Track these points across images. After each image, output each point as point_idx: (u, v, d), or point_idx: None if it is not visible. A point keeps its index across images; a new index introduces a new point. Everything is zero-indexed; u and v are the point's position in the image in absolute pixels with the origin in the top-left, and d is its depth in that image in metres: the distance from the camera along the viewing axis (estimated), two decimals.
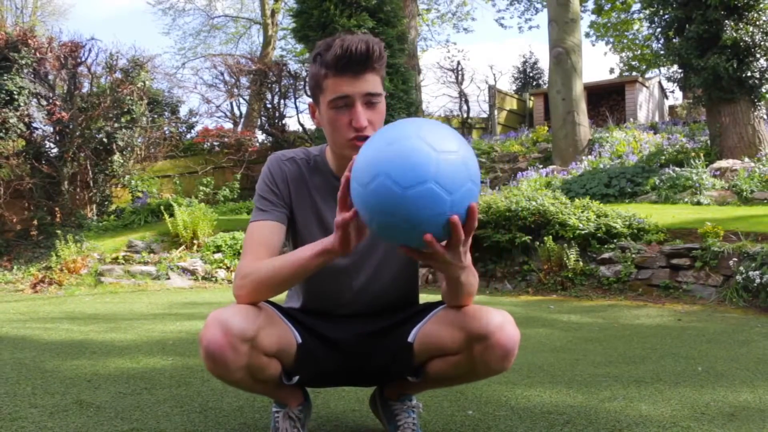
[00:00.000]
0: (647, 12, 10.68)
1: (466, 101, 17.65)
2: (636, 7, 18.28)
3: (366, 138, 1.45)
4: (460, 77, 18.35)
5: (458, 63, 18.73)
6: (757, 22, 8.81)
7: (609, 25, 19.73)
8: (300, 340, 1.60)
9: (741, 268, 4.91)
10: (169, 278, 7.19)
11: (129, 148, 10.21)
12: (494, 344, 1.46)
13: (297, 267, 1.42)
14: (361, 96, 1.48)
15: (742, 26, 8.71)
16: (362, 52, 1.45)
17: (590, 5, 19.18)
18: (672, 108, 18.11)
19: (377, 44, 1.48)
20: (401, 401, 1.77)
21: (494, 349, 1.46)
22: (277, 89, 12.85)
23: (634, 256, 5.70)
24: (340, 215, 1.29)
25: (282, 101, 12.97)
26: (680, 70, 9.69)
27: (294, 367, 1.61)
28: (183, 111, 16.44)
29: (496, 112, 16.24)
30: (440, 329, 1.56)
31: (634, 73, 18.87)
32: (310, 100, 1.63)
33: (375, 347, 1.65)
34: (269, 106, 13.03)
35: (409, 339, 1.60)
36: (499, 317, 1.48)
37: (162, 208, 8.75)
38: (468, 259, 1.42)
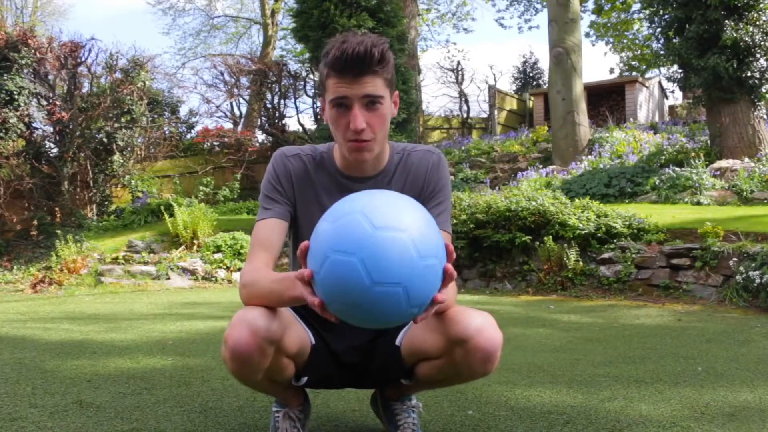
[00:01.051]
0: (647, 12, 10.68)
1: (466, 101, 17.66)
2: (636, 7, 18.29)
3: (364, 141, 1.50)
4: (460, 77, 18.35)
5: (458, 63, 18.75)
6: (757, 22, 8.80)
7: (609, 25, 19.72)
8: (314, 342, 1.62)
9: (741, 268, 4.91)
10: (169, 278, 7.19)
11: (129, 148, 10.21)
12: (473, 348, 1.44)
13: (278, 300, 1.42)
14: (359, 98, 1.48)
15: (742, 26, 8.70)
16: (359, 55, 1.44)
17: (590, 5, 19.18)
18: (672, 108, 18.10)
19: (378, 47, 1.46)
20: (401, 401, 1.77)
21: (474, 352, 1.44)
22: (277, 89, 12.85)
23: (634, 256, 5.70)
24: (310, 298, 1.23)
25: (282, 101, 12.98)
26: (680, 70, 9.69)
27: (304, 368, 1.62)
28: (183, 111, 16.44)
29: (496, 112, 16.24)
30: (422, 334, 1.57)
31: (634, 73, 18.86)
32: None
33: (370, 355, 1.67)
34: (269, 106, 13.03)
35: (397, 342, 1.63)
36: (478, 320, 1.45)
37: (162, 208, 8.75)
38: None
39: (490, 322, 1.47)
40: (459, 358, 1.48)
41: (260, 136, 13.45)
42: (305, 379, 1.64)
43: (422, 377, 1.64)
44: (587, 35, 20.33)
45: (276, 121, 12.94)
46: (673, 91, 19.00)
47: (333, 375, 1.69)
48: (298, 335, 1.57)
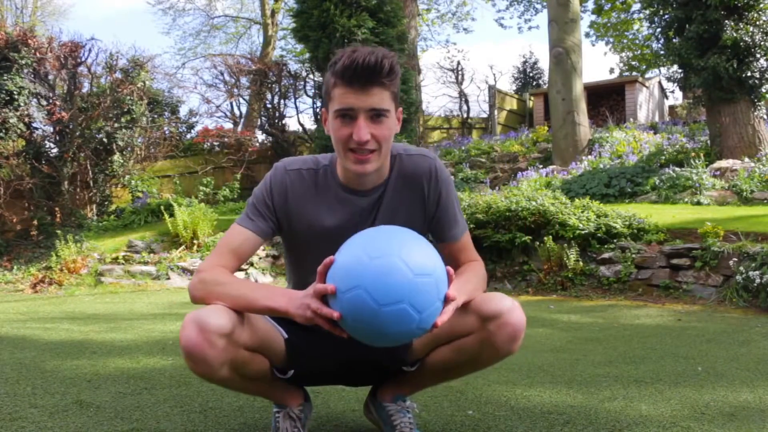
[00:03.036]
0: (647, 12, 10.67)
1: (466, 101, 17.64)
2: (636, 7, 18.29)
3: (367, 153, 1.50)
4: (460, 77, 18.34)
5: (458, 63, 18.73)
6: (757, 22, 8.80)
7: (609, 25, 19.72)
8: (286, 336, 1.62)
9: (741, 268, 4.91)
10: (169, 278, 7.19)
11: (129, 148, 10.21)
12: (506, 323, 1.50)
13: (248, 306, 1.49)
14: (365, 110, 1.48)
15: (742, 26, 8.70)
16: (369, 65, 1.44)
17: (590, 5, 19.18)
18: (672, 108, 18.09)
19: (388, 59, 1.46)
20: (395, 402, 1.77)
21: (505, 327, 1.51)
22: (277, 89, 12.85)
23: (634, 256, 5.70)
24: (318, 305, 1.36)
25: (282, 101, 12.97)
26: (680, 70, 9.69)
27: (286, 362, 1.63)
28: (183, 111, 16.43)
29: (496, 112, 16.23)
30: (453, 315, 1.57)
31: (634, 73, 18.85)
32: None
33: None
34: (269, 106, 13.03)
35: None
36: (509, 301, 1.54)
37: (162, 208, 8.75)
38: (461, 295, 1.50)
39: (519, 305, 1.56)
40: (487, 335, 1.52)
41: (260, 136, 13.43)
42: (292, 372, 1.65)
43: (436, 363, 1.65)
44: (587, 35, 20.34)
45: (276, 121, 12.93)
46: (673, 91, 19.00)
47: (325, 366, 1.68)
48: (259, 328, 1.57)
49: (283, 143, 12.51)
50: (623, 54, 20.72)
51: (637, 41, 19.92)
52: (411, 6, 13.60)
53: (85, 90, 9.94)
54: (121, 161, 10.19)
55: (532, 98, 17.22)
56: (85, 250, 7.76)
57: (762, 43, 8.68)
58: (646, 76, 18.19)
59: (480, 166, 11.75)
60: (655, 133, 11.59)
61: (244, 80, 13.22)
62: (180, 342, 1.42)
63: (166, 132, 11.70)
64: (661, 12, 9.63)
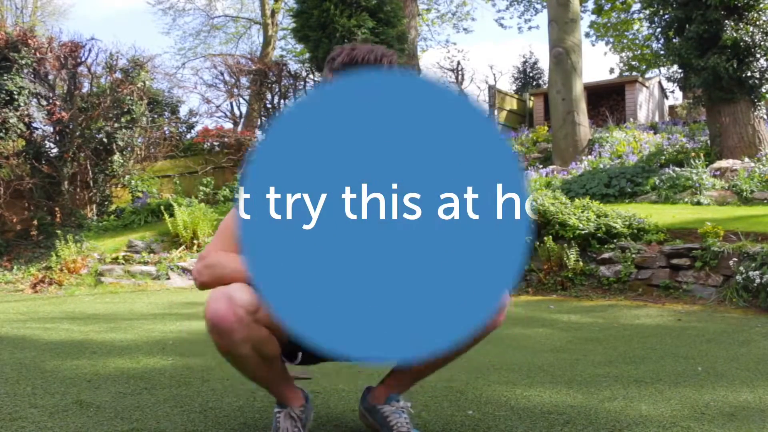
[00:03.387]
0: (647, 12, 10.68)
1: None
2: (636, 7, 18.28)
3: None
4: (460, 77, 18.33)
5: (458, 63, 18.74)
6: (757, 22, 8.80)
7: (609, 25, 19.71)
8: None
9: (741, 268, 4.91)
10: (169, 278, 7.19)
11: (129, 148, 10.20)
12: None
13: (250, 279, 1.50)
14: None
15: (742, 26, 8.70)
16: (369, 63, 1.44)
17: (590, 5, 19.17)
18: (672, 108, 18.08)
19: (387, 57, 1.47)
20: (389, 403, 1.77)
21: None
22: (277, 89, 12.85)
23: (634, 256, 5.70)
24: None
25: (282, 101, 12.97)
26: (680, 70, 9.69)
27: (293, 345, 1.64)
28: (183, 111, 16.43)
29: (496, 112, 16.23)
30: None
31: (634, 73, 18.84)
32: None
33: None
34: (269, 106, 13.03)
35: None
36: None
37: (162, 208, 8.75)
38: None
39: None
40: None
41: (260, 136, 13.43)
42: (300, 354, 1.67)
43: None
44: (587, 35, 20.32)
45: None
46: (673, 91, 18.98)
47: None
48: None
49: None
50: (623, 54, 20.71)
51: (637, 41, 19.91)
52: (411, 6, 13.60)
53: (85, 90, 9.93)
54: (121, 161, 10.19)
55: (532, 98, 17.22)
56: (85, 250, 7.76)
57: (762, 43, 8.68)
58: (646, 76, 18.19)
59: None
60: (655, 133, 11.59)
61: (244, 80, 13.22)
62: (207, 314, 1.44)
63: (166, 132, 11.69)
64: (661, 12, 9.63)
